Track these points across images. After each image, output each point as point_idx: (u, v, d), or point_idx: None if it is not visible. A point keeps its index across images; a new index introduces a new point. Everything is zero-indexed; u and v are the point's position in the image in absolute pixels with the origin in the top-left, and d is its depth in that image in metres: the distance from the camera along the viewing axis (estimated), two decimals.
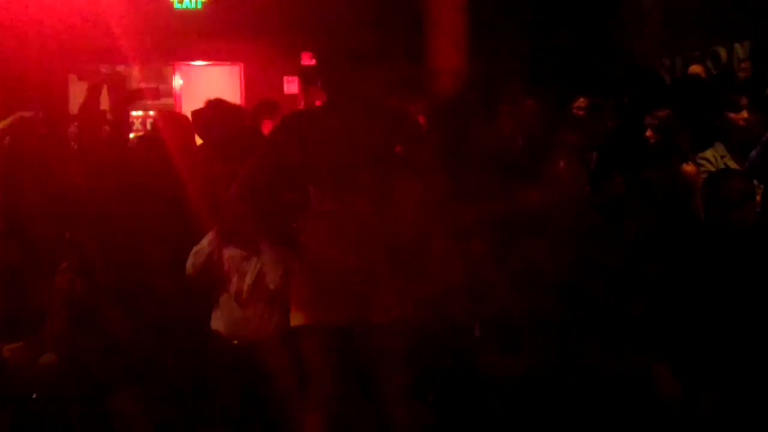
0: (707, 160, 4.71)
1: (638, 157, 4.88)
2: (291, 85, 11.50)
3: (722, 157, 4.71)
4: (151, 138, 5.82)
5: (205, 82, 11.05)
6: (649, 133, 4.96)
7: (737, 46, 9.00)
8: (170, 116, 5.92)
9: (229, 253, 4.41)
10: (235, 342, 4.35)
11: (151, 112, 9.86)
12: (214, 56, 11.37)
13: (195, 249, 4.37)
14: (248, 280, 4.36)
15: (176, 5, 11.20)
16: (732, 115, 4.76)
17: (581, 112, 7.07)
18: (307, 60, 10.39)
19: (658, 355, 3.20)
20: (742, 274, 3.06)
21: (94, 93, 5.14)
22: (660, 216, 4.20)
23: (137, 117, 10.11)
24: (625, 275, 3.86)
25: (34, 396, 2.49)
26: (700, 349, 3.09)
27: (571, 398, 3.65)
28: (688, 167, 4.62)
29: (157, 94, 9.50)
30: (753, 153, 4.04)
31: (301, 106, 10.36)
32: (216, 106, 5.09)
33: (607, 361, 3.41)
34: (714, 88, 6.57)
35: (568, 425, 3.63)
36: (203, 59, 11.51)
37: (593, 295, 3.88)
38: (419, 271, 3.21)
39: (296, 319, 3.15)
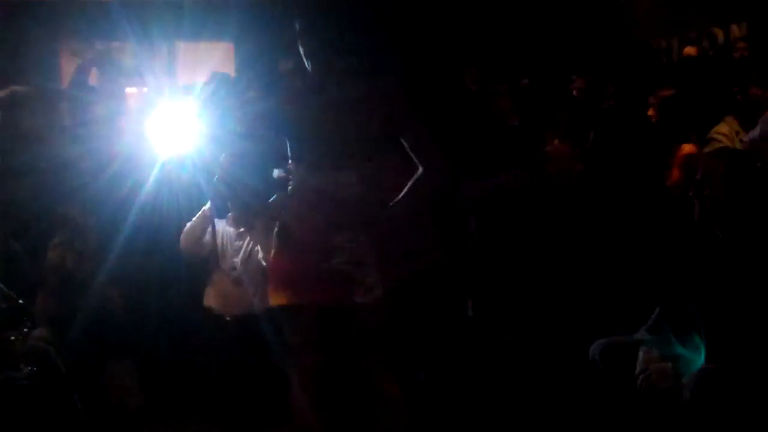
0: (725, 135, 4.69)
1: (637, 137, 4.87)
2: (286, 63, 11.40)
3: (737, 132, 4.70)
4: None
5: (199, 60, 10.97)
6: (651, 112, 4.95)
7: (734, 26, 8.97)
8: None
9: (223, 229, 4.40)
10: (228, 318, 4.35)
11: (146, 90, 9.79)
12: (207, 34, 11.29)
13: (189, 225, 4.36)
14: (240, 256, 4.36)
15: None
16: (757, 90, 4.75)
17: (578, 93, 7.07)
18: None
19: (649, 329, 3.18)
20: (734, 251, 3.05)
21: (82, 70, 5.13)
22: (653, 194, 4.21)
23: (131, 93, 10.04)
24: (616, 252, 3.87)
25: (25, 369, 2.48)
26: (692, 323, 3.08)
27: (563, 376, 3.67)
28: (688, 146, 4.61)
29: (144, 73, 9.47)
30: (753, 131, 4.03)
31: None
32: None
33: (598, 339, 3.40)
34: (723, 65, 6.56)
35: (558, 402, 3.64)
36: (195, 37, 11.42)
37: (585, 272, 3.89)
38: (404, 250, 3.15)
39: (276, 299, 3.07)
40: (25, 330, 3.01)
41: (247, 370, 4.18)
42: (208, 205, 4.32)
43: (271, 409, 4.08)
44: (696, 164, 3.18)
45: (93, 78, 5.74)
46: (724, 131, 4.69)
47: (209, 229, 4.33)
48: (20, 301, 3.42)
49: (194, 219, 4.37)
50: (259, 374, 4.15)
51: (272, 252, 3.15)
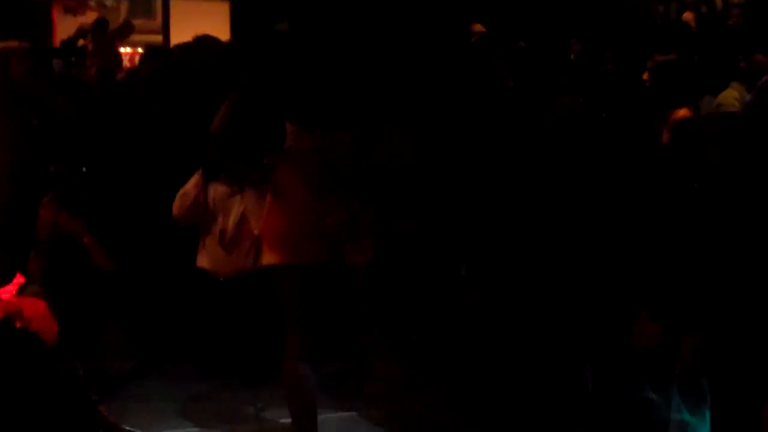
0: (736, 99, 4.69)
1: (631, 102, 4.86)
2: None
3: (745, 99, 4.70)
4: (138, 72, 5.78)
5: (193, 19, 10.89)
6: (646, 76, 4.93)
7: None
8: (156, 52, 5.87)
9: (214, 192, 4.40)
10: (221, 279, 4.36)
11: (140, 49, 9.74)
12: None
13: (181, 191, 4.35)
14: (232, 221, 4.37)
15: None
16: (761, 57, 4.75)
17: (576, 57, 7.03)
18: None
19: (638, 298, 3.20)
20: (723, 217, 3.05)
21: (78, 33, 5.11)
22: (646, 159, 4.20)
23: (126, 53, 9.99)
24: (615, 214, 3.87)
25: (17, 326, 2.49)
26: (680, 292, 3.09)
27: (555, 339, 3.68)
28: (682, 111, 4.60)
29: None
30: (749, 97, 4.02)
31: None
32: (201, 41, 5.03)
33: (590, 304, 3.41)
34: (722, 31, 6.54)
35: (550, 365, 3.66)
36: None
37: (580, 233, 3.89)
38: (398, 211, 3.14)
39: (268, 258, 3.04)
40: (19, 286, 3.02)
41: (239, 330, 4.20)
42: (199, 171, 4.31)
43: (264, 367, 4.11)
44: (690, 129, 3.18)
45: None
46: (735, 95, 4.70)
47: (201, 194, 4.32)
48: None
49: (186, 185, 4.35)
50: (251, 334, 4.18)
51: (265, 211, 3.14)
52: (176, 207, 4.35)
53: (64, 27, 9.93)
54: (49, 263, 4.03)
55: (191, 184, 4.32)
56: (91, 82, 6.47)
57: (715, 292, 2.92)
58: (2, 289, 3.12)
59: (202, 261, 4.44)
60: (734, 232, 2.95)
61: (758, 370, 2.75)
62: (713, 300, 2.91)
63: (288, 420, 3.54)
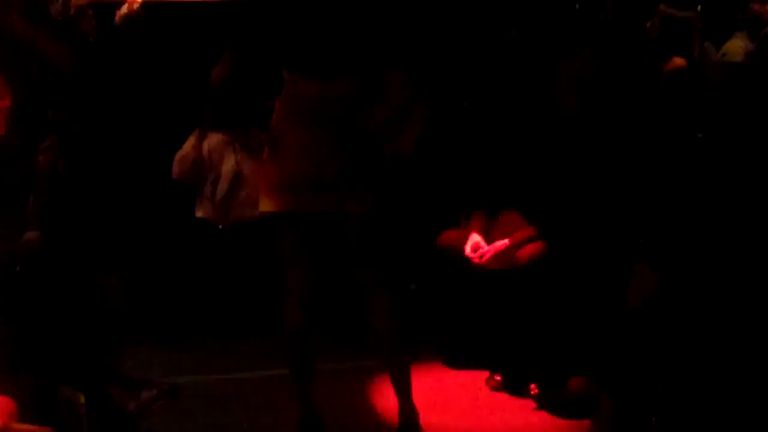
0: (742, 48, 4.66)
1: (632, 52, 4.81)
2: None
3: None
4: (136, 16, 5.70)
5: None
6: (648, 25, 4.90)
7: None
8: None
9: (209, 143, 4.39)
10: (220, 227, 4.37)
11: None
12: None
13: (178, 155, 4.35)
14: (227, 171, 4.37)
15: None
16: (757, 7, 4.75)
17: (578, 4, 6.93)
18: None
19: (637, 251, 3.20)
20: (720, 169, 3.05)
21: None
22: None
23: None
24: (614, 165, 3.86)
25: (17, 269, 2.49)
26: (678, 245, 3.09)
27: (554, 293, 3.69)
28: (679, 60, 4.58)
29: None
30: (751, 45, 4.00)
31: None
32: None
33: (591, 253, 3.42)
34: None
35: (550, 319, 3.67)
36: None
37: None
38: (397, 161, 3.11)
39: (265, 206, 3.03)
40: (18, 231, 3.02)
41: (238, 279, 4.22)
42: (195, 132, 4.30)
43: (263, 316, 4.14)
44: (684, 78, 3.15)
45: None
46: (741, 45, 4.69)
47: (198, 154, 4.31)
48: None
49: (184, 145, 4.35)
50: (250, 283, 4.20)
51: (263, 159, 3.13)
52: (175, 170, 4.36)
53: None
54: (48, 208, 4.03)
55: (189, 146, 4.32)
56: (88, 28, 6.39)
57: (717, 240, 2.93)
58: None
59: (200, 211, 4.45)
60: (739, 180, 2.95)
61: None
62: (714, 248, 2.92)
63: (279, 371, 3.59)
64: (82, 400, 3.10)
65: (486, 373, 3.90)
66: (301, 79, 2.94)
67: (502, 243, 3.82)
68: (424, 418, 3.23)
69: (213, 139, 4.40)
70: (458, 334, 4.10)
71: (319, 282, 3.09)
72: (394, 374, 3.16)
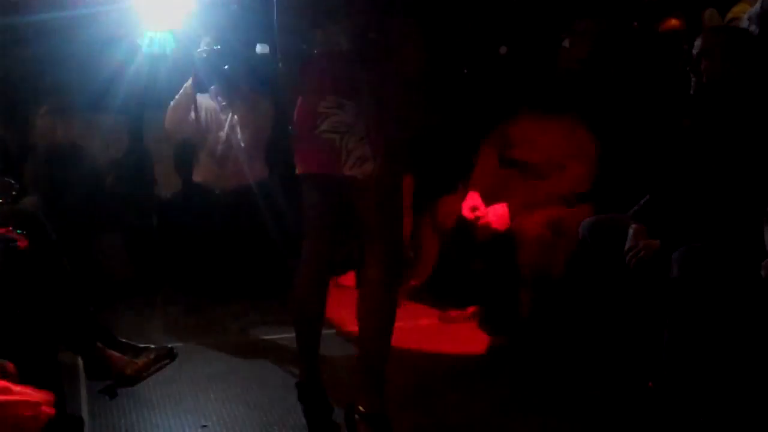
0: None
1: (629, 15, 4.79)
2: None
3: None
4: None
5: None
6: None
7: None
8: None
9: (206, 104, 4.38)
10: (217, 192, 4.37)
11: None
12: None
13: (172, 103, 4.32)
14: (225, 130, 4.37)
15: None
16: None
17: None
18: None
19: (635, 215, 3.18)
20: (714, 129, 3.03)
21: None
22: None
23: None
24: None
25: (18, 231, 2.49)
26: (677, 206, 3.08)
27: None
28: (674, 21, 4.57)
29: None
30: (753, 7, 3.95)
31: None
32: None
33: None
34: None
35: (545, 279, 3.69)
36: None
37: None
38: (400, 123, 2.95)
39: (298, 168, 2.83)
40: (14, 194, 3.01)
41: (237, 242, 4.22)
42: (189, 81, 4.27)
43: (264, 279, 4.15)
44: (680, 38, 3.11)
45: None
46: (748, 9, 4.64)
47: (192, 105, 4.30)
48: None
49: (177, 96, 4.33)
50: (250, 246, 4.20)
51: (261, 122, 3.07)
52: (168, 119, 4.34)
53: None
54: (46, 172, 4.03)
55: (182, 96, 4.30)
56: None
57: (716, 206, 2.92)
58: None
59: (198, 175, 4.45)
60: (737, 143, 2.94)
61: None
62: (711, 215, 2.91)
63: (276, 336, 3.61)
64: (81, 363, 3.13)
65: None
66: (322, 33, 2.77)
67: (501, 206, 3.84)
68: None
69: (211, 104, 4.39)
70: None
71: (332, 256, 3.01)
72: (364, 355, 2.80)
